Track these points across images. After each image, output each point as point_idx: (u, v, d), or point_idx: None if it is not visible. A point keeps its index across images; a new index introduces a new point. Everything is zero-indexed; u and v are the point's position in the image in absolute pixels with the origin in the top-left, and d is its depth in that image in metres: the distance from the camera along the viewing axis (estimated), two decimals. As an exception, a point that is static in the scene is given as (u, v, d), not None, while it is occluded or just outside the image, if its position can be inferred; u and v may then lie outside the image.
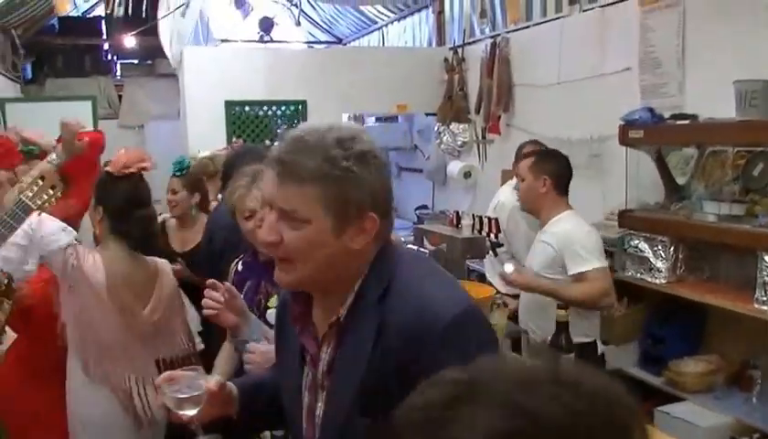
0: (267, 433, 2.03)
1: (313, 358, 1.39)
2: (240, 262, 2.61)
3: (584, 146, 4.76)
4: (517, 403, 0.59)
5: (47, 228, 2.53)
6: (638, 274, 3.76)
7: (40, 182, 2.41)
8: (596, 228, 4.21)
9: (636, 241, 3.81)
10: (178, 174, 4.08)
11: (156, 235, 2.94)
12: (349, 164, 1.24)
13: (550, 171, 3.38)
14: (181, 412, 1.45)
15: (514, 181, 4.25)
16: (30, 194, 2.38)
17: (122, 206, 2.63)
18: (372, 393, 1.23)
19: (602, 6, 4.69)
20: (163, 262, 2.85)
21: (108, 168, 2.70)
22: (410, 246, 3.83)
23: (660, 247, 3.66)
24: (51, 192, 2.43)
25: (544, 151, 3.83)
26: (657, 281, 3.65)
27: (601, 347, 3.39)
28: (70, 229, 2.63)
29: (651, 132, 3.73)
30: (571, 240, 3.26)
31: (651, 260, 3.70)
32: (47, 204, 2.43)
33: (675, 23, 4.02)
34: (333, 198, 1.24)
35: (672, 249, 3.62)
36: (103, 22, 9.16)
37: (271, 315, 2.19)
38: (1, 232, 2.30)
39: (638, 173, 4.08)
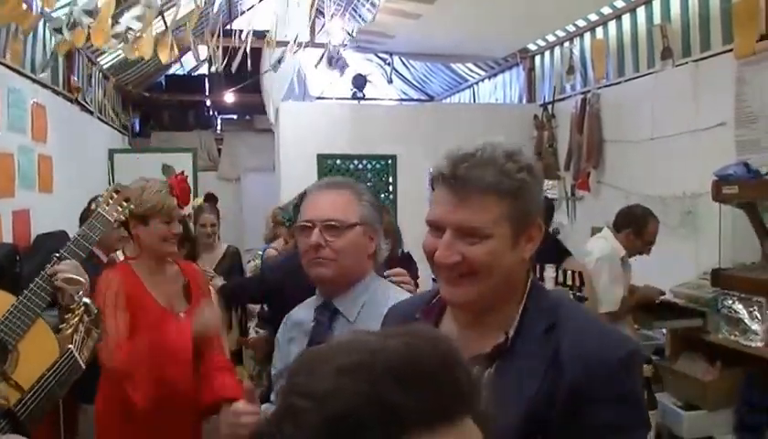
0: None
1: None
2: None
3: (677, 203, 4.63)
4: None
5: None
6: (732, 337, 3.57)
7: (115, 195, 2.56)
8: (689, 287, 4.07)
9: (731, 302, 3.63)
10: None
11: None
12: (522, 175, 1.26)
13: None
14: None
15: (607, 233, 4.19)
16: (106, 206, 2.53)
17: None
18: (534, 419, 1.20)
19: (696, 61, 4.58)
20: None
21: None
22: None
23: (756, 308, 3.46)
24: (125, 204, 2.56)
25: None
26: (753, 344, 3.45)
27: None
28: None
29: (746, 187, 3.59)
30: None
31: (746, 321, 3.51)
32: (121, 217, 2.56)
33: (773, 76, 3.90)
34: (513, 210, 1.26)
35: (769, 310, 3.43)
36: (206, 80, 9.67)
37: None
38: (82, 244, 2.45)
39: (733, 231, 3.92)
